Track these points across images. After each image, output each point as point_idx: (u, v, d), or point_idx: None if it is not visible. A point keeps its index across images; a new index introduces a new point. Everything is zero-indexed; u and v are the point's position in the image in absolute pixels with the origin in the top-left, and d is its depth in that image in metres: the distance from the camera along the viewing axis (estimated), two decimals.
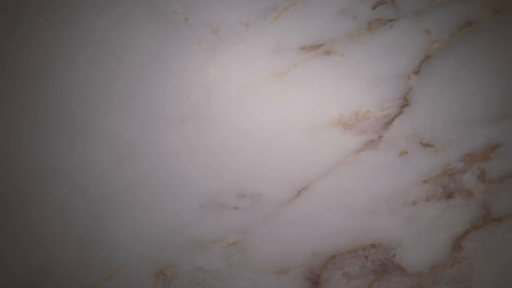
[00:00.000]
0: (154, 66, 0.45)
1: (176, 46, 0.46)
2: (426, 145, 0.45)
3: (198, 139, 0.47)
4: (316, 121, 0.45)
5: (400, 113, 0.46)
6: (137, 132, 0.44)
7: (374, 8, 0.45)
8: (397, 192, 0.47)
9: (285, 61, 0.46)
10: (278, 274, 0.48)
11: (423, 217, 0.45)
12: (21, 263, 0.44)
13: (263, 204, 0.49)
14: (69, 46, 0.44)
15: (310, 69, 0.45)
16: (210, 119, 0.47)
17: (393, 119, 0.46)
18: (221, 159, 0.48)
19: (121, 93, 0.44)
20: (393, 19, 0.45)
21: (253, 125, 0.48)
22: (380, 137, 0.46)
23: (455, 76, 0.45)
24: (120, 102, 0.44)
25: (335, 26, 0.44)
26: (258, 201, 0.48)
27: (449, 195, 0.45)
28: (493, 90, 0.45)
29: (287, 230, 0.49)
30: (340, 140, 0.46)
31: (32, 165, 0.44)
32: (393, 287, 0.48)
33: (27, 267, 0.44)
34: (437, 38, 0.45)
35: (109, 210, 0.46)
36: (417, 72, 0.45)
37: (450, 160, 0.45)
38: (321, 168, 0.46)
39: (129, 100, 0.44)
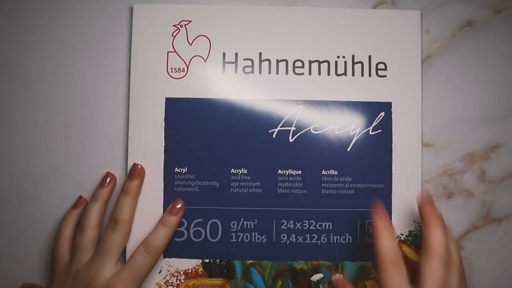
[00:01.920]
0: None
1: None
2: (426, 145, 0.45)
3: None
4: None
5: None
6: None
7: (374, 8, 0.45)
8: None
9: None
10: None
11: None
12: (20, 263, 0.45)
13: None
14: (69, 46, 0.44)
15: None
16: None
17: None
18: None
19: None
20: None
21: None
22: None
23: (455, 76, 0.45)
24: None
25: None
26: None
27: (449, 195, 0.44)
28: (493, 90, 0.45)
29: None
30: None
31: (32, 165, 0.44)
32: None
33: (27, 268, 0.44)
34: (437, 38, 0.45)
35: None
36: None
37: (450, 160, 0.44)
38: None
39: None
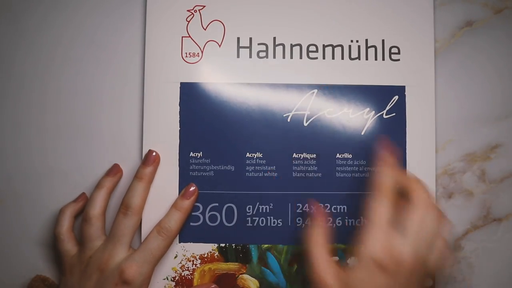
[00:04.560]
0: None
1: None
2: None
3: None
4: None
5: None
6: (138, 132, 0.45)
7: None
8: None
9: None
10: None
11: None
12: (19, 264, 0.44)
13: None
14: (70, 46, 0.44)
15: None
16: None
17: None
18: None
19: (124, 92, 0.44)
20: None
21: None
22: None
23: (455, 76, 0.45)
24: (122, 101, 0.44)
25: None
26: None
27: (449, 195, 0.44)
28: (493, 89, 0.45)
29: None
30: None
31: (32, 165, 0.44)
32: None
33: (26, 268, 0.44)
34: (437, 38, 0.45)
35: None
36: None
37: (450, 160, 0.44)
38: None
39: (131, 99, 0.45)
